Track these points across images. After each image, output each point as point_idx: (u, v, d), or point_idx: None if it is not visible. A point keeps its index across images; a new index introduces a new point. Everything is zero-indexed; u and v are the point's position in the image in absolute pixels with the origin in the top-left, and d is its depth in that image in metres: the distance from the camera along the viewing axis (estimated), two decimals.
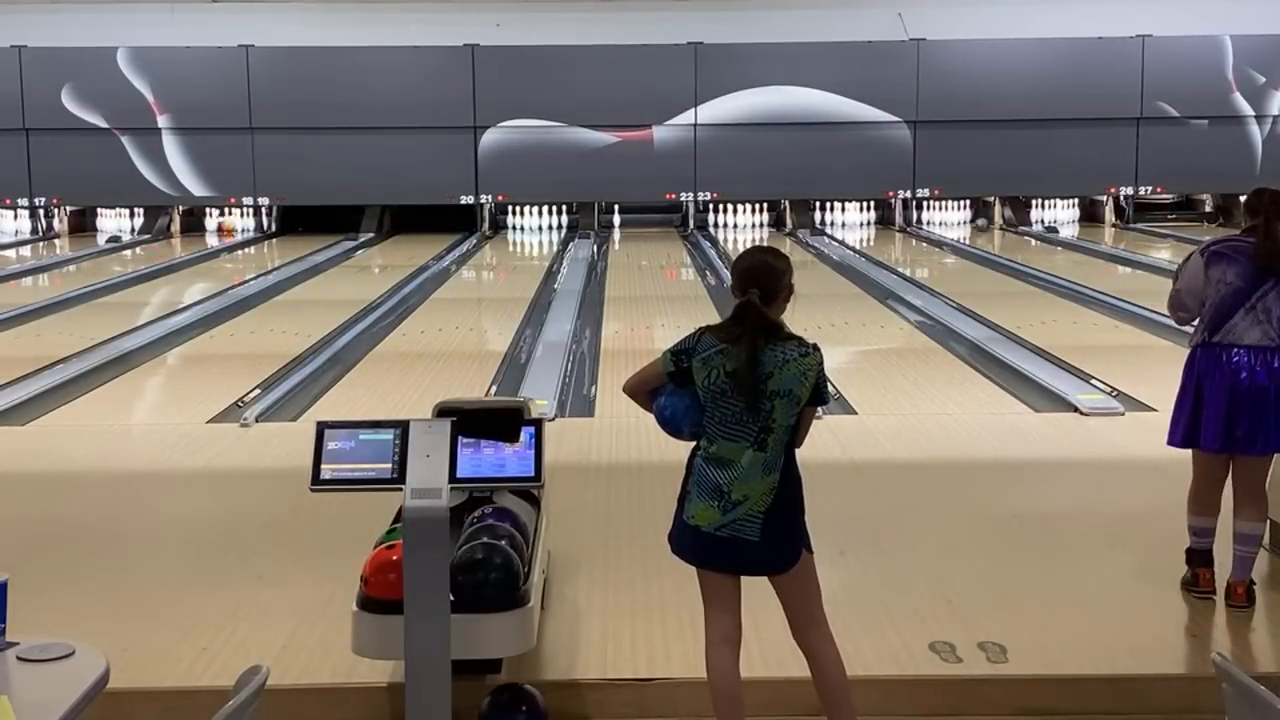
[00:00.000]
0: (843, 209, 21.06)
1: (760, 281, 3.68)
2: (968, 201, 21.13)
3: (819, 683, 3.79)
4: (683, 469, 3.78)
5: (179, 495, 6.76)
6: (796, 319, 3.82)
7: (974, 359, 9.92)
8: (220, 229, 20.79)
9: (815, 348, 3.70)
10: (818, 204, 20.93)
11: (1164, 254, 16.83)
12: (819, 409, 3.82)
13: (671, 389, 3.74)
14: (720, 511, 3.65)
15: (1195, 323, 4.89)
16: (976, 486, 6.66)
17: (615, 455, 7.14)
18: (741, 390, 3.62)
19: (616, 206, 21.41)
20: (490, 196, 20.16)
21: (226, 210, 20.64)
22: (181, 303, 13.75)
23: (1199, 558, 4.91)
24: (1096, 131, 19.72)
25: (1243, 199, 4.88)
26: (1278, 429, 4.70)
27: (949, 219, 21.00)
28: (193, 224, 20.93)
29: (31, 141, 19.64)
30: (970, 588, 5.06)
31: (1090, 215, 21.21)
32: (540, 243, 20.07)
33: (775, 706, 4.13)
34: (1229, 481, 4.90)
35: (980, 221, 20.94)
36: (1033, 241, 19.39)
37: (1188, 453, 4.94)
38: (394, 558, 3.95)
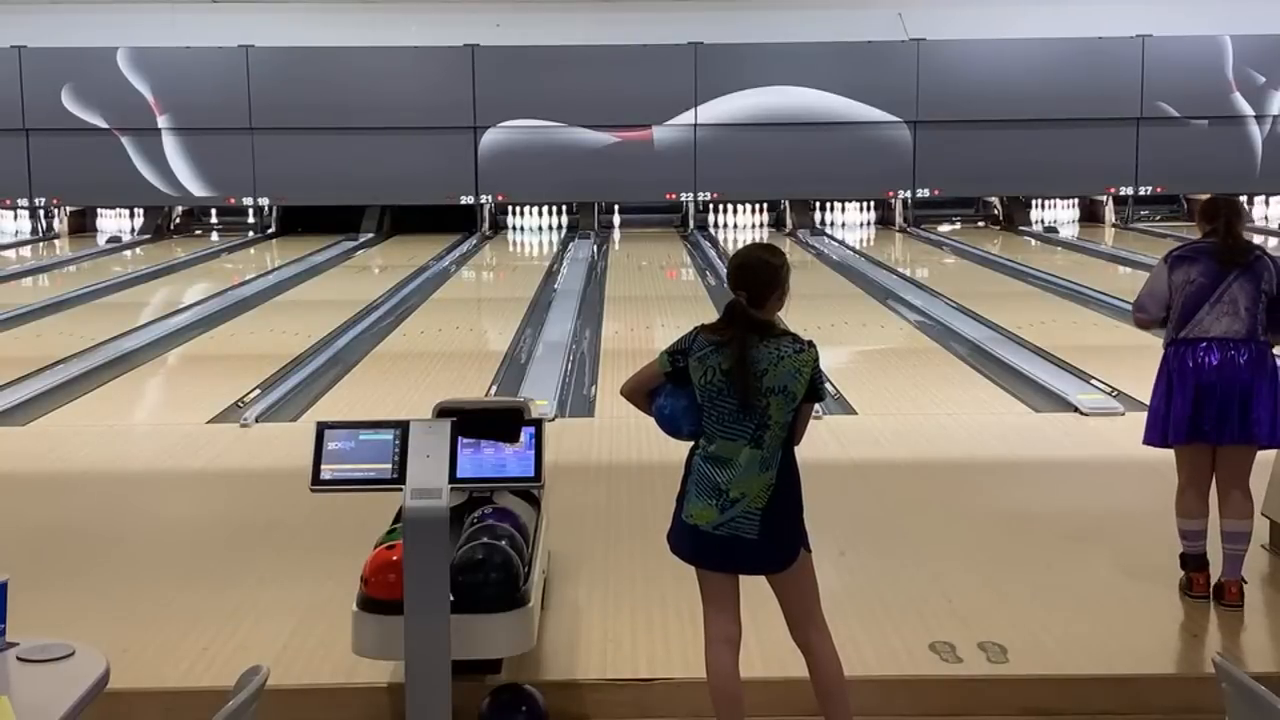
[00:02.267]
0: (843, 209, 21.07)
1: (751, 279, 3.68)
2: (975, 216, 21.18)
3: (816, 680, 3.79)
4: (683, 469, 3.78)
5: (179, 495, 6.76)
6: (796, 319, 3.82)
7: (974, 359, 9.92)
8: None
9: (810, 344, 3.70)
10: (818, 204, 20.93)
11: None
12: (816, 406, 3.81)
13: (670, 389, 3.74)
14: (718, 510, 3.65)
15: (1166, 322, 4.94)
16: (976, 486, 6.66)
17: (615, 455, 7.14)
18: (736, 389, 3.62)
19: (616, 206, 21.42)
20: (490, 196, 20.16)
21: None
22: (182, 303, 13.76)
23: (1192, 562, 4.92)
24: (1096, 131, 19.71)
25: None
26: (1243, 420, 4.73)
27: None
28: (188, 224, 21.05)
29: (31, 142, 19.64)
30: (970, 588, 5.06)
31: (1090, 215, 21.22)
32: (540, 243, 20.08)
33: (775, 706, 4.13)
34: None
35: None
36: (1033, 241, 19.40)
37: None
38: (394, 558, 3.95)
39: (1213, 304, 4.77)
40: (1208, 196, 5.08)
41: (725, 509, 3.65)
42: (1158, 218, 20.82)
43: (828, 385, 7.98)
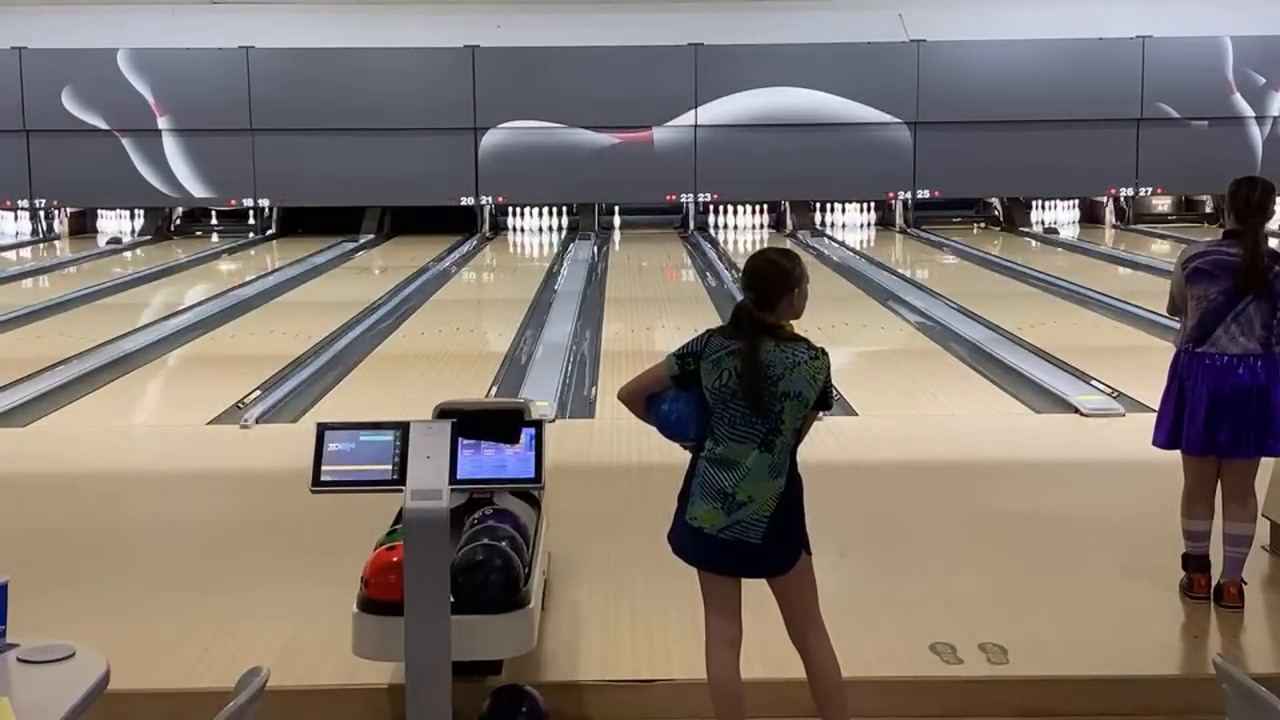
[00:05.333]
0: (843, 210, 21.08)
1: (760, 281, 3.68)
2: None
3: (813, 682, 3.79)
4: (684, 469, 3.78)
5: (179, 497, 6.76)
6: (797, 320, 3.81)
7: (974, 360, 9.91)
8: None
9: (823, 351, 3.71)
10: (818, 205, 20.94)
11: (1164, 255, 16.82)
12: (821, 412, 3.81)
13: (675, 393, 3.73)
14: (724, 513, 3.65)
15: (1180, 324, 4.93)
16: (976, 487, 6.66)
17: (616, 456, 7.14)
18: (749, 393, 3.62)
19: (617, 208, 21.41)
20: (490, 198, 20.16)
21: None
22: (182, 304, 13.76)
23: (1195, 563, 4.92)
24: (1096, 132, 19.71)
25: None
26: (1259, 432, 4.72)
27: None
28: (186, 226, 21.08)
29: (32, 143, 19.64)
30: (970, 588, 5.06)
31: (1090, 216, 21.22)
32: (540, 244, 20.08)
33: (775, 708, 4.13)
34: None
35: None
36: (1033, 242, 19.40)
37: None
38: (394, 559, 3.95)
39: (1228, 324, 4.72)
40: (1245, 179, 4.82)
41: (731, 512, 3.64)
42: (1171, 217, 20.78)
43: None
